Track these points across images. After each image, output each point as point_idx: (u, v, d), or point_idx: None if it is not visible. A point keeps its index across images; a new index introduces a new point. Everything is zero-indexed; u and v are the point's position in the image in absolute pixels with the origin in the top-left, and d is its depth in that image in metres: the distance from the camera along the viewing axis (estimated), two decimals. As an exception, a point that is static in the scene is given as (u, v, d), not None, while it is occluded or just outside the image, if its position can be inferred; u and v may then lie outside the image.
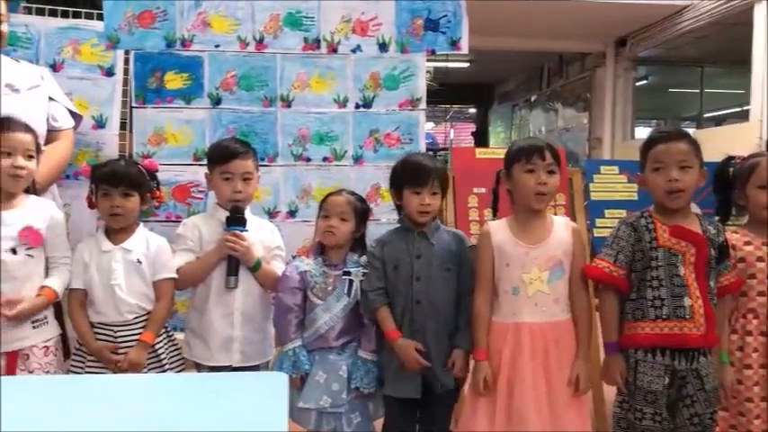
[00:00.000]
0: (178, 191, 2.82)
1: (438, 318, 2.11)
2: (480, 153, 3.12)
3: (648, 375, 2.00)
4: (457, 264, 2.15)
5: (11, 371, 2.06)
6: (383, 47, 2.93)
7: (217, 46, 2.84)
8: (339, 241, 2.22)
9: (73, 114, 2.61)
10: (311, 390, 2.14)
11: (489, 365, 2.04)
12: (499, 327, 2.07)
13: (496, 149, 3.80)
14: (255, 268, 2.26)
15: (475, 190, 3.04)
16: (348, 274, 2.20)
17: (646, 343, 2.01)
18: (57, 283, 2.14)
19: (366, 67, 2.93)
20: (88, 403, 1.41)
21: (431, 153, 5.06)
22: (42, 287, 2.12)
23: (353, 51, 2.93)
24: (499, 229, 2.10)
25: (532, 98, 9.44)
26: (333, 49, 2.92)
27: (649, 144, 2.09)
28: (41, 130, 2.40)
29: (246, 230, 2.25)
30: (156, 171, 2.31)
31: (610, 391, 2.26)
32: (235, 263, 2.23)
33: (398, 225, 2.23)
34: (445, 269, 2.13)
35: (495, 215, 2.25)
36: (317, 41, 2.90)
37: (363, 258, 2.23)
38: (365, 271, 2.19)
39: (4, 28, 2.40)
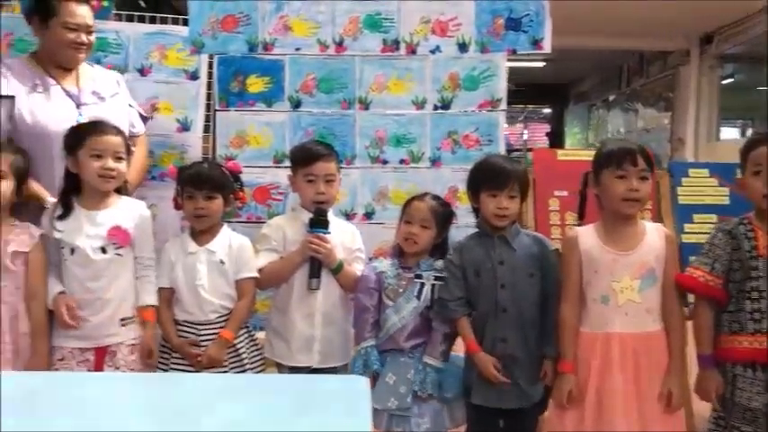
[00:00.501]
0: (259, 192, 2.86)
1: (525, 326, 2.05)
2: (562, 155, 3.03)
3: (747, 392, 1.89)
4: (539, 268, 2.09)
5: (98, 366, 2.12)
6: (463, 47, 2.89)
7: (297, 49, 2.86)
8: (419, 249, 2.21)
9: (142, 118, 2.70)
10: (381, 391, 2.13)
11: (577, 377, 1.98)
12: (588, 337, 2.00)
13: (579, 151, 3.70)
14: (337, 270, 2.26)
15: (556, 193, 2.95)
16: (420, 277, 2.18)
17: (744, 358, 1.91)
18: (151, 298, 2.19)
19: (445, 67, 2.90)
20: (171, 402, 1.43)
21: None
22: (141, 309, 2.18)
23: (432, 52, 2.89)
24: (587, 235, 2.03)
25: (611, 98, 9.18)
26: (412, 51, 2.89)
27: (749, 146, 1.98)
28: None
29: (329, 233, 2.26)
30: (240, 173, 2.34)
31: (701, 406, 2.16)
32: (317, 265, 2.24)
33: (476, 230, 2.19)
34: (529, 275, 2.07)
35: (582, 220, 2.18)
36: (396, 43, 2.89)
37: (439, 263, 2.20)
38: (437, 275, 2.17)
39: (92, 38, 2.48)
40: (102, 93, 2.51)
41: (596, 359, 1.95)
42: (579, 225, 2.15)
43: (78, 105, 2.43)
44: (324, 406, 1.42)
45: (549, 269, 2.09)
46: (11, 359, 2.03)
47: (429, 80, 2.89)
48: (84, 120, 2.35)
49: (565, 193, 2.92)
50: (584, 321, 2.02)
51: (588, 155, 2.24)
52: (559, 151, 3.17)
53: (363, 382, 1.59)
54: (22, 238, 2.10)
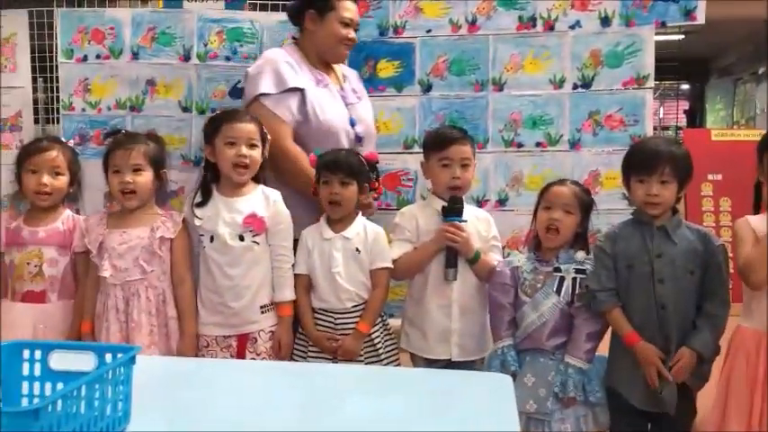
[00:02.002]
0: (389, 179, 2.81)
1: (684, 325, 1.89)
2: (717, 135, 2.77)
3: None
4: (701, 266, 1.90)
5: (241, 353, 2.16)
6: (605, 21, 2.69)
7: (428, 31, 2.78)
8: (562, 240, 2.07)
9: None
10: (518, 392, 2.00)
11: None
12: (752, 334, 1.82)
13: (736, 130, 3.38)
14: (474, 260, 2.18)
15: (710, 177, 2.72)
16: (559, 270, 2.05)
17: None
18: (288, 293, 2.20)
19: (586, 44, 2.71)
20: (311, 392, 1.42)
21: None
22: (278, 306, 2.19)
23: (572, 28, 2.72)
24: (761, 226, 1.82)
25: (760, 71, 8.42)
26: (549, 27, 2.73)
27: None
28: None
29: (465, 221, 2.17)
30: (377, 162, 2.31)
31: None
32: (453, 254, 2.16)
33: (631, 217, 2.02)
34: (689, 271, 1.89)
35: (758, 209, 1.96)
36: (533, 20, 2.74)
37: (579, 254, 2.06)
38: (579, 267, 2.03)
39: (352, 35, 2.47)
40: (358, 91, 2.56)
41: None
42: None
43: (347, 104, 2.48)
44: (467, 404, 1.36)
45: (714, 265, 1.90)
46: (160, 342, 2.11)
47: (568, 58, 2.73)
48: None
49: (719, 177, 2.68)
50: (747, 317, 1.84)
51: (748, 135, 2.02)
52: (714, 131, 2.90)
53: (507, 381, 1.51)
54: (167, 225, 2.17)
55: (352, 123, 2.46)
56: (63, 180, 2.21)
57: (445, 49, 2.78)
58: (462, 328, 2.19)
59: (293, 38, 2.59)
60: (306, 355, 2.21)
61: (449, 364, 2.14)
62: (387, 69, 2.81)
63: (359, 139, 2.46)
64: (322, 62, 2.48)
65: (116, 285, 2.12)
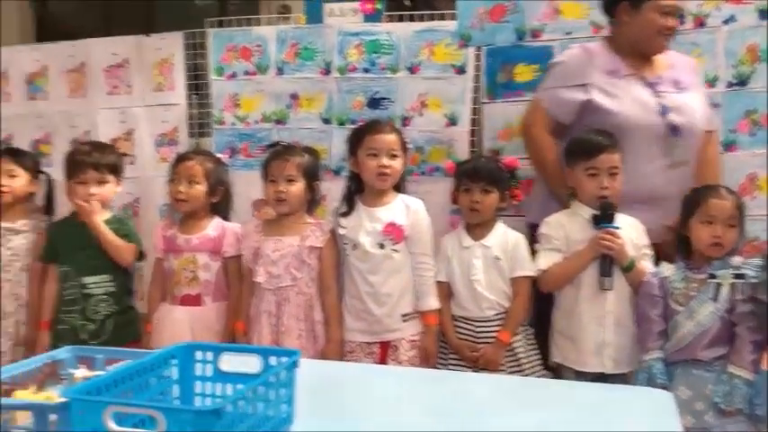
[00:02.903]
0: (527, 185, 2.76)
1: None
2: None
3: None
4: None
5: (383, 360, 2.20)
6: (764, 14, 2.50)
7: (568, 33, 2.71)
8: (726, 251, 1.96)
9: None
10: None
11: None
12: None
13: None
14: (629, 268, 2.09)
15: None
16: (714, 277, 1.94)
17: None
18: (433, 301, 2.21)
19: (742, 39, 2.53)
20: (454, 401, 1.41)
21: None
22: (423, 313, 2.21)
23: (726, 23, 2.55)
24: None
25: None
26: (700, 23, 2.58)
27: None
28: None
29: (619, 227, 2.09)
30: (517, 169, 2.28)
31: None
32: (609, 262, 2.08)
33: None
34: None
35: None
36: (681, 17, 2.59)
37: (736, 259, 1.95)
38: (737, 272, 1.91)
39: (677, 23, 2.35)
40: (682, 82, 2.35)
41: None
42: None
43: (657, 94, 2.31)
44: (625, 420, 1.30)
45: None
46: (308, 345, 2.19)
47: (722, 54, 2.56)
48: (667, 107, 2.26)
49: None
50: None
51: None
52: None
53: (668, 397, 1.43)
54: (316, 234, 2.25)
55: (664, 112, 2.28)
56: (199, 189, 2.33)
57: (587, 51, 2.68)
58: (617, 339, 2.09)
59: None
60: (446, 363, 2.21)
61: (599, 377, 2.07)
62: (525, 74, 2.75)
63: (674, 130, 2.26)
64: (637, 53, 2.35)
65: (269, 290, 2.22)
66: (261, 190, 2.35)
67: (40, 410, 1.03)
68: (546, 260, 2.15)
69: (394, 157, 2.24)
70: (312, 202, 2.32)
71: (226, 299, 2.34)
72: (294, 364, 1.17)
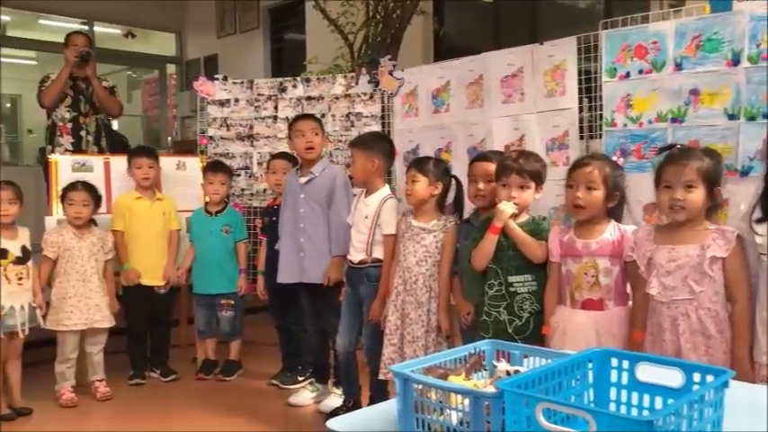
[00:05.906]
0: None
1: None
2: None
3: None
4: None
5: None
6: None
7: None
8: None
9: None
10: None
11: None
12: None
13: None
14: None
15: None
16: None
17: None
18: None
19: None
20: None
21: None
22: None
23: None
24: None
25: None
26: None
27: None
28: None
29: None
30: None
31: None
32: None
33: None
34: None
35: None
36: None
37: None
38: None
39: None
40: None
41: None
42: None
43: None
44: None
45: None
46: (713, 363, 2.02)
47: None
48: None
49: None
50: None
51: None
52: None
53: None
54: (718, 242, 2.06)
55: None
56: (597, 195, 2.27)
57: None
58: None
59: None
60: None
61: None
62: None
63: None
64: None
65: (663, 303, 2.11)
66: (652, 192, 2.24)
67: (476, 397, 1.14)
68: None
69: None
70: (712, 207, 2.13)
71: (626, 303, 2.28)
72: (725, 384, 1.09)
